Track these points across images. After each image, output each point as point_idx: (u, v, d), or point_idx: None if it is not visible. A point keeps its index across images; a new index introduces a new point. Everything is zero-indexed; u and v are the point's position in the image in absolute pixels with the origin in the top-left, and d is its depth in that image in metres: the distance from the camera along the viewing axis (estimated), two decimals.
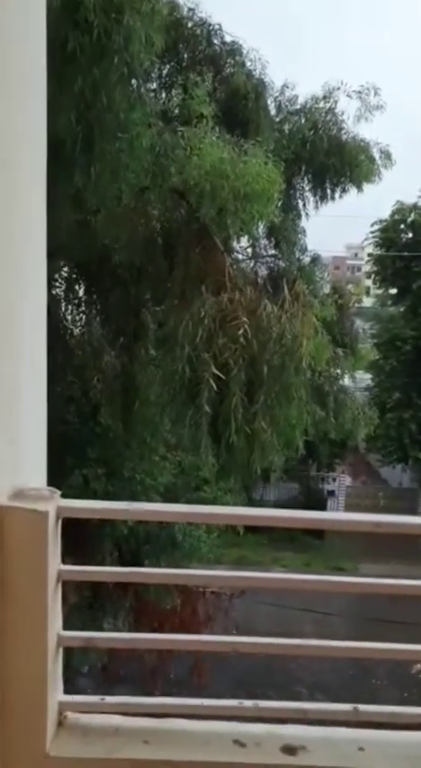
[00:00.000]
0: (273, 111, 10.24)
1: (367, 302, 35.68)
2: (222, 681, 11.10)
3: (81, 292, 10.07)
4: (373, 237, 24.28)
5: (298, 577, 2.24)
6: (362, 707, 2.10)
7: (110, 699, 2.23)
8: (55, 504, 1.95)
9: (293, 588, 2.14)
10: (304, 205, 10.87)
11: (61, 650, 2.10)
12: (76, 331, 10.32)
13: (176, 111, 8.44)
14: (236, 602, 12.19)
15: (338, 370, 12.81)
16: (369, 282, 34.04)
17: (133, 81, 6.86)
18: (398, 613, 13.04)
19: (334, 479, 25.71)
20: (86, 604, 10.32)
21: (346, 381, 13.83)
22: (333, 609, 15.28)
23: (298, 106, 10.60)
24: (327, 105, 10.40)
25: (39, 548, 1.90)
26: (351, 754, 2.00)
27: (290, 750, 2.01)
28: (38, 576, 1.92)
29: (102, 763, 1.99)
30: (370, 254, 27.36)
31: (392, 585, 2.23)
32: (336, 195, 10.59)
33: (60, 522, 2.02)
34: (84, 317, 10.19)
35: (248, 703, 2.15)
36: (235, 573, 2.28)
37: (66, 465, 8.86)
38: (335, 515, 1.76)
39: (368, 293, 37.65)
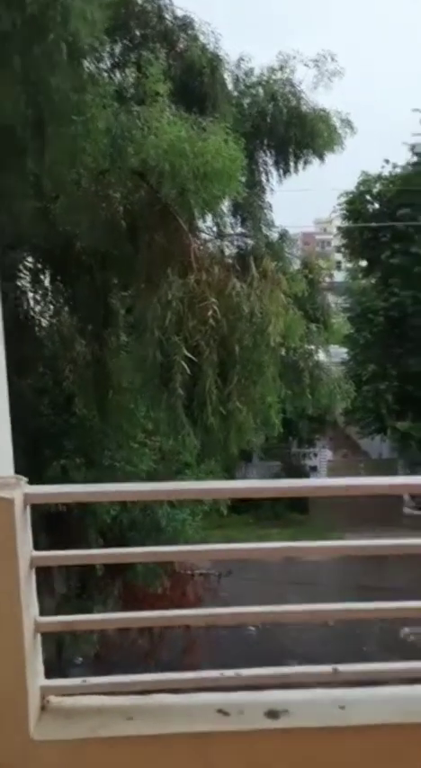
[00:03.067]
0: (230, 86, 10.12)
1: (339, 276, 35.82)
2: (216, 660, 11.19)
3: (47, 282, 9.92)
4: (340, 210, 24.30)
5: (269, 546, 2.25)
6: (341, 667, 2.12)
7: (91, 680, 2.22)
8: (21, 492, 1.93)
9: (262, 557, 2.16)
10: (268, 179, 10.82)
11: (39, 636, 2.09)
12: (45, 322, 10.19)
13: (131, 90, 8.29)
14: (224, 581, 12.27)
15: (312, 346, 12.85)
16: (339, 256, 34.15)
17: (83, 61, 6.72)
18: (384, 581, 13.26)
19: (315, 455, 25.93)
20: (75, 594, 10.33)
21: (321, 356, 13.89)
22: (320, 582, 15.46)
23: (254, 78, 10.49)
24: (284, 76, 10.31)
25: (7, 534, 1.88)
26: (332, 713, 2.02)
27: (273, 714, 2.02)
28: (8, 562, 1.90)
29: (86, 743, 1.99)
30: (338, 228, 27.42)
31: (366, 547, 2.25)
32: (300, 167, 10.53)
33: (28, 508, 2.00)
34: (51, 306, 10.05)
35: (230, 673, 2.16)
36: (198, 547, 2.28)
37: (43, 457, 8.79)
38: (307, 482, 1.78)
39: (339, 267, 37.78)
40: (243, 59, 10.66)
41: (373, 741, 1.97)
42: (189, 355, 7.14)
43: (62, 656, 10.36)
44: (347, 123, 10.30)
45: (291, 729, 1.97)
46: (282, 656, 12.80)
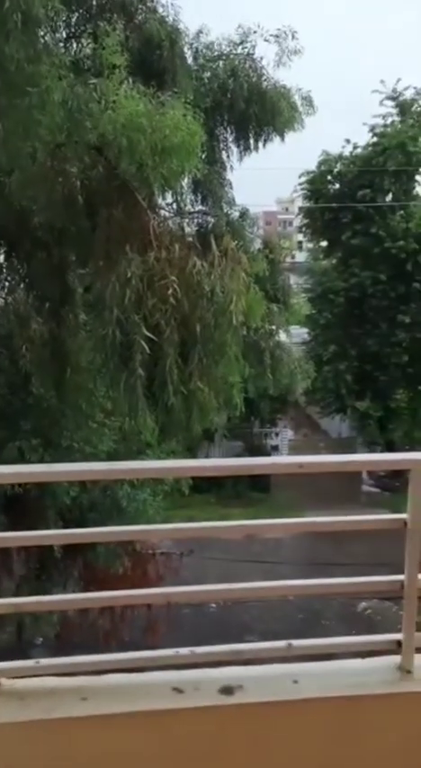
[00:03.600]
0: (189, 60, 9.94)
1: (300, 257, 35.94)
2: (177, 639, 11.25)
3: (1, 258, 9.68)
4: (302, 190, 24.25)
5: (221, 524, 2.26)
6: (295, 642, 2.13)
7: (45, 661, 2.20)
8: None
9: (215, 535, 2.15)
10: (228, 157, 10.71)
11: None
12: (0, 299, 9.96)
13: (88, 62, 8.07)
14: (186, 560, 12.33)
15: (273, 326, 12.89)
16: (300, 236, 34.22)
17: (37, 30, 6.49)
18: (342, 557, 13.52)
19: (276, 434, 26.15)
20: (34, 576, 10.24)
21: (282, 337, 13.96)
22: (281, 558, 15.69)
23: (215, 53, 10.32)
24: (245, 50, 10.16)
25: None
26: (286, 687, 2.03)
27: (227, 690, 2.03)
28: None
29: (40, 725, 1.97)
30: (300, 208, 27.42)
31: (323, 523, 2.27)
32: (260, 145, 10.45)
33: None
34: (6, 284, 9.81)
35: (184, 651, 2.16)
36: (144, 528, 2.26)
37: None
38: (261, 460, 1.78)
39: (300, 248, 37.88)
40: (202, 32, 10.49)
41: (326, 713, 2.00)
42: (149, 334, 7.06)
43: (22, 637, 10.30)
44: (308, 101, 10.23)
45: (245, 704, 1.98)
46: (242, 632, 12.97)
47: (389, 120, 23.16)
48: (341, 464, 2.10)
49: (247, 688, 2.03)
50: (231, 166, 10.85)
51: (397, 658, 2.07)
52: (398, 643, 2.07)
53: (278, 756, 1.98)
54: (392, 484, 21.00)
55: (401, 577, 2.04)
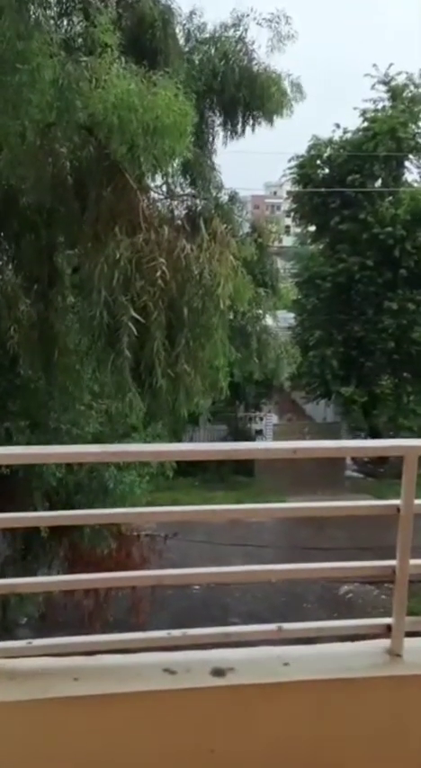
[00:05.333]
0: (181, 41, 9.83)
1: (288, 241, 35.83)
2: (161, 619, 11.36)
3: None
4: (291, 174, 24.14)
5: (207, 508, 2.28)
6: (285, 625, 2.17)
7: (37, 642, 2.21)
8: None
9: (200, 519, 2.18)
10: (213, 140, 10.66)
11: None
12: None
13: (79, 40, 7.94)
14: (170, 543, 12.40)
15: (260, 311, 12.89)
16: (288, 221, 34.10)
17: (29, 6, 6.37)
18: (323, 541, 13.67)
19: (261, 419, 26.22)
20: (20, 556, 10.26)
21: (269, 321, 13.97)
22: (263, 542, 15.82)
23: (207, 35, 10.22)
24: (237, 34, 10.08)
25: None
26: (277, 670, 2.07)
27: (218, 672, 2.06)
28: None
29: (32, 705, 1.99)
30: (288, 192, 27.30)
31: (305, 509, 2.30)
32: (248, 129, 10.42)
33: None
34: None
35: (176, 632, 2.19)
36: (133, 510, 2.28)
37: None
38: (255, 445, 1.80)
39: (288, 232, 37.74)
40: (195, 13, 10.37)
41: (316, 696, 2.04)
42: (137, 316, 7.04)
43: (7, 616, 10.33)
44: (297, 87, 10.20)
45: (236, 686, 2.02)
46: (225, 613, 13.11)
47: (380, 105, 23.08)
48: (334, 450, 2.13)
49: (239, 670, 2.06)
50: (218, 150, 10.81)
51: (386, 642, 2.12)
52: (388, 627, 2.11)
53: (268, 738, 2.02)
54: (376, 470, 21.19)
55: (393, 563, 2.07)
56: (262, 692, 2.02)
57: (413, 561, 2.07)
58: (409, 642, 2.11)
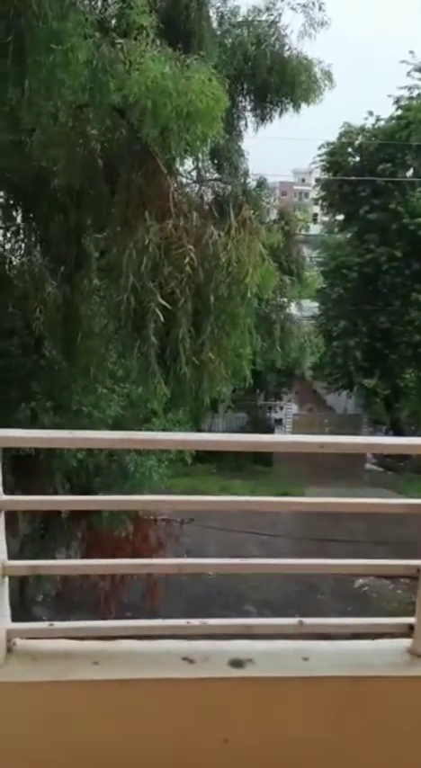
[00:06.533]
0: (214, 24, 9.73)
1: (315, 229, 35.52)
2: (175, 604, 11.47)
3: (19, 219, 9.60)
4: (321, 161, 23.89)
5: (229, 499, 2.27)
6: (306, 620, 2.17)
7: (59, 624, 2.24)
8: None
9: (229, 509, 2.17)
10: (246, 125, 10.58)
11: (6, 579, 2.09)
12: (16, 260, 9.90)
13: (114, 21, 7.87)
14: (186, 528, 12.47)
15: (285, 299, 12.80)
16: (316, 209, 33.78)
17: None
18: (339, 533, 13.63)
19: (281, 408, 26.19)
20: (38, 535, 10.40)
21: (293, 310, 13.88)
22: (278, 531, 15.84)
23: (240, 18, 10.11)
24: (271, 18, 9.95)
25: None
26: (296, 664, 2.07)
27: (237, 663, 2.07)
28: None
29: (52, 686, 2.01)
30: (317, 179, 27.02)
31: (328, 503, 2.28)
32: (276, 115, 10.32)
33: None
34: (22, 245, 9.75)
35: (196, 622, 2.20)
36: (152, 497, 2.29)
37: (10, 399, 8.68)
38: (282, 437, 1.78)
39: (315, 220, 37.43)
40: None
41: (335, 692, 2.04)
42: (164, 303, 7.02)
43: (25, 593, 10.49)
44: (327, 75, 10.06)
45: (254, 678, 2.02)
46: (239, 600, 13.17)
47: (415, 93, 22.67)
48: (362, 446, 2.11)
49: (257, 662, 2.06)
50: (247, 135, 10.72)
51: (408, 642, 2.10)
52: (411, 627, 2.10)
53: (284, 732, 2.03)
54: (396, 464, 21.07)
55: (418, 562, 2.06)
56: (280, 686, 2.02)
57: None
58: None
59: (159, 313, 6.94)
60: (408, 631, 2.10)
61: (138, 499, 2.57)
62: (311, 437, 2.15)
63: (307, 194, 52.41)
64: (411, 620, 2.10)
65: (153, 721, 2.02)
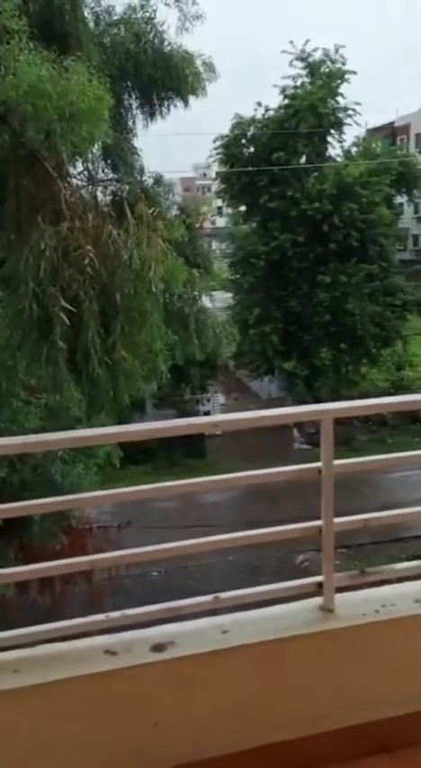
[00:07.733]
0: (91, 24, 9.63)
1: (221, 222, 35.83)
2: (126, 607, 11.35)
3: None
4: (217, 154, 24.06)
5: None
6: (222, 595, 2.20)
7: None
8: None
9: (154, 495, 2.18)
10: (133, 123, 10.55)
11: None
12: None
13: None
14: (124, 532, 12.37)
15: (196, 292, 12.87)
16: (220, 202, 34.06)
17: None
18: (275, 514, 13.87)
19: (208, 400, 26.30)
20: None
21: (205, 302, 13.97)
22: (219, 520, 15.95)
23: (116, 17, 10.06)
24: (146, 15, 9.95)
25: None
26: (216, 638, 2.10)
27: (159, 648, 2.08)
28: None
29: None
30: (216, 173, 27.23)
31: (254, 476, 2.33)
32: (166, 110, 10.34)
33: None
34: None
35: (115, 614, 2.19)
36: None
37: None
38: (177, 422, 1.80)
39: (221, 213, 37.74)
40: None
41: (255, 658, 2.08)
42: (68, 306, 6.94)
43: None
44: (210, 67, 10.16)
45: (176, 659, 2.04)
46: (186, 595, 13.15)
47: (299, 82, 23.20)
48: (254, 420, 2.17)
49: (179, 643, 2.08)
50: (136, 133, 10.70)
51: (319, 599, 2.17)
52: (320, 585, 2.17)
53: (211, 705, 2.06)
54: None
55: (319, 523, 2.13)
56: (200, 662, 2.04)
57: (337, 519, 2.13)
58: (340, 597, 2.18)
59: (64, 317, 6.84)
60: (318, 589, 2.17)
61: (61, 500, 2.58)
62: (206, 418, 2.19)
63: (209, 188, 52.69)
64: (320, 578, 2.17)
65: (81, 719, 2.01)
